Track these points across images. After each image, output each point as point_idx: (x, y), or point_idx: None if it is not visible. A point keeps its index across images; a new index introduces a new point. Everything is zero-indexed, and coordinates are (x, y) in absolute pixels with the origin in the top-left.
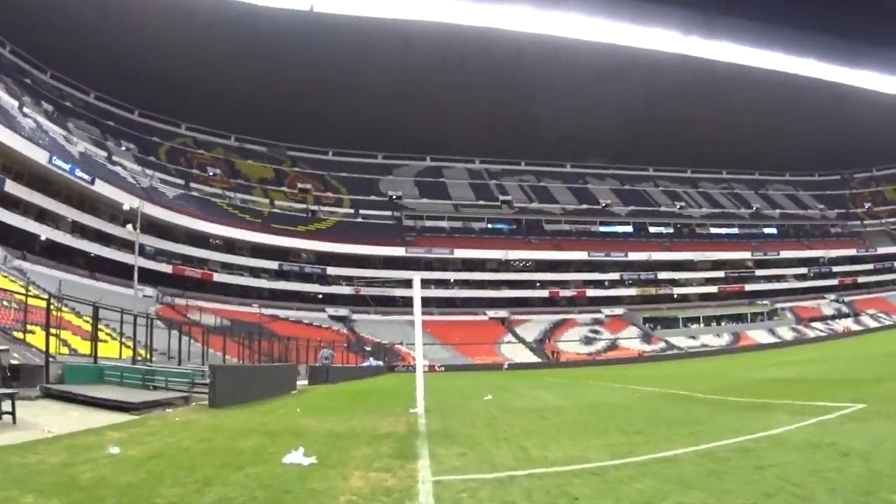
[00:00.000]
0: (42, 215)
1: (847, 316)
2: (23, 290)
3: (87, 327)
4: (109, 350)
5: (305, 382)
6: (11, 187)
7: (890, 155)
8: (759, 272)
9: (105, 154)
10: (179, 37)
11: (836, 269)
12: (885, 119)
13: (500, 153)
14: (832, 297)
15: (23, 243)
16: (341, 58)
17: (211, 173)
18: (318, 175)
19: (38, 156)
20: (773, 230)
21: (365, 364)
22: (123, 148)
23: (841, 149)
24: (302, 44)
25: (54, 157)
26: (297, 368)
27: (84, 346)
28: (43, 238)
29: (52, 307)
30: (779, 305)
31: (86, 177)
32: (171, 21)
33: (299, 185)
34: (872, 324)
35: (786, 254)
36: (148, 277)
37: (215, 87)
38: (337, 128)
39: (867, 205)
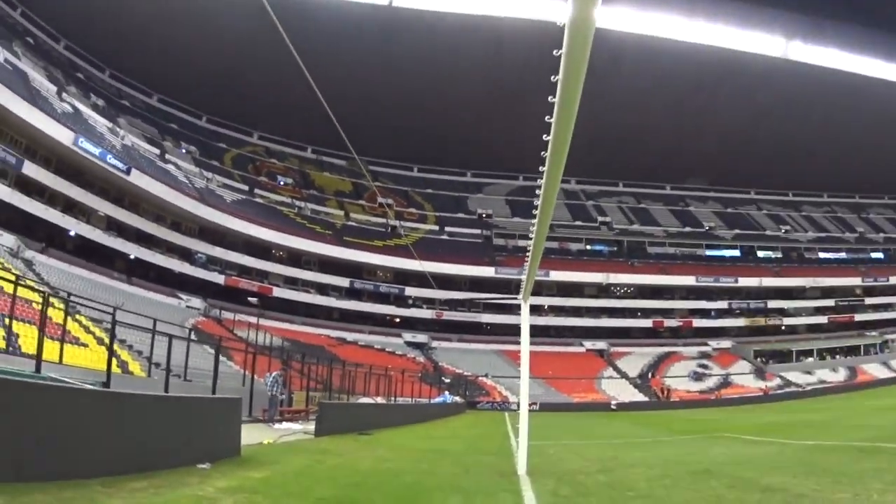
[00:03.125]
0: (71, 207)
1: None
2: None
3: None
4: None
5: (298, 428)
6: (32, 171)
7: None
8: (868, 301)
9: (157, 151)
10: (257, 43)
11: None
12: None
13: (596, 173)
14: None
15: (51, 238)
16: (427, 66)
17: (281, 182)
18: (400, 191)
19: (61, 135)
20: (881, 255)
21: (437, 400)
22: (183, 150)
23: None
24: (385, 50)
25: (80, 139)
26: (235, 403)
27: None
28: (72, 233)
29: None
30: (888, 336)
31: (119, 165)
32: (247, 25)
33: (379, 200)
34: None
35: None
36: (196, 287)
37: (293, 97)
38: (423, 143)
39: None
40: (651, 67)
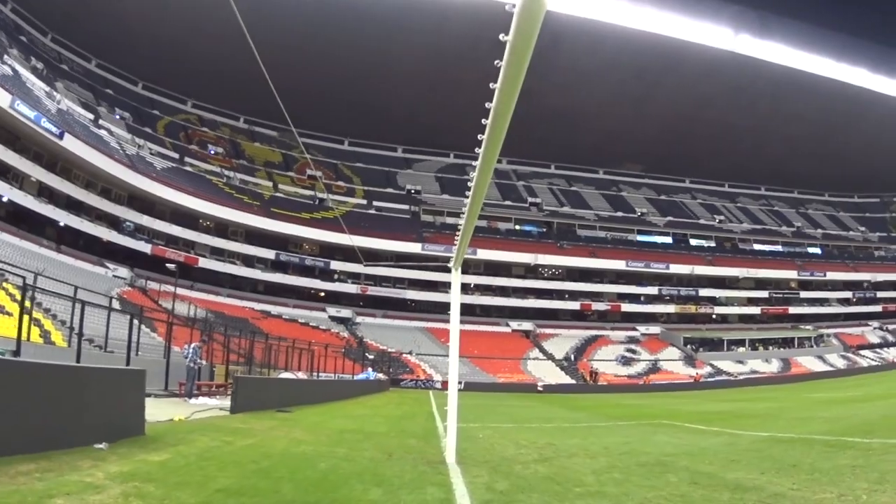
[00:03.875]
0: (4, 172)
1: (894, 345)
2: None
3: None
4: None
5: (216, 404)
6: None
7: None
8: (803, 294)
9: (91, 117)
10: (193, 11)
11: (880, 294)
12: None
13: (529, 154)
14: (875, 324)
15: None
16: (363, 40)
17: (212, 151)
18: (330, 163)
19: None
20: (818, 250)
21: (360, 377)
22: (117, 116)
23: (880, 171)
24: (322, 22)
25: (17, 102)
26: (137, 375)
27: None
28: (4, 199)
29: None
30: (823, 331)
31: (53, 129)
32: None
33: (308, 172)
34: None
35: (832, 275)
36: (124, 257)
37: (227, 66)
38: (356, 117)
39: None
40: (594, 51)
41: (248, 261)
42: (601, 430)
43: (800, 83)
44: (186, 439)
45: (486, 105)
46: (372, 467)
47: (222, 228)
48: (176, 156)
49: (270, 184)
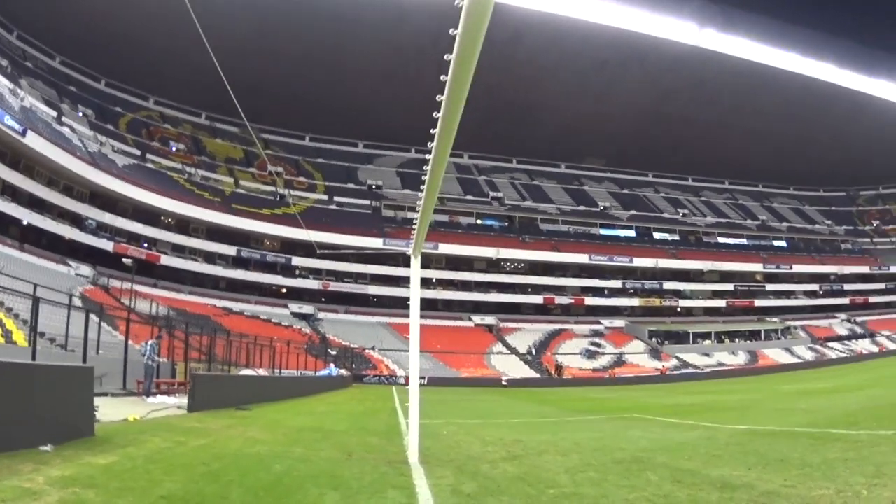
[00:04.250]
0: None
1: (863, 337)
2: None
3: None
4: None
5: (173, 403)
6: None
7: (892, 172)
8: (769, 287)
9: (55, 114)
10: (156, 8)
11: (847, 287)
12: (889, 133)
13: (490, 149)
14: (843, 316)
15: None
16: (324, 36)
17: (173, 148)
18: (291, 159)
19: None
20: (783, 243)
21: (323, 373)
22: (80, 113)
23: (846, 164)
24: (282, 18)
25: None
26: (85, 373)
27: None
28: None
29: None
30: (790, 323)
31: (16, 126)
32: None
33: (269, 168)
34: (891, 345)
35: (798, 268)
36: (86, 255)
37: (189, 63)
38: (316, 112)
39: (875, 222)
40: (556, 46)
41: (210, 258)
42: (571, 425)
43: (765, 77)
44: (137, 440)
45: (438, 97)
46: (329, 469)
47: (184, 225)
48: (138, 153)
49: (232, 180)
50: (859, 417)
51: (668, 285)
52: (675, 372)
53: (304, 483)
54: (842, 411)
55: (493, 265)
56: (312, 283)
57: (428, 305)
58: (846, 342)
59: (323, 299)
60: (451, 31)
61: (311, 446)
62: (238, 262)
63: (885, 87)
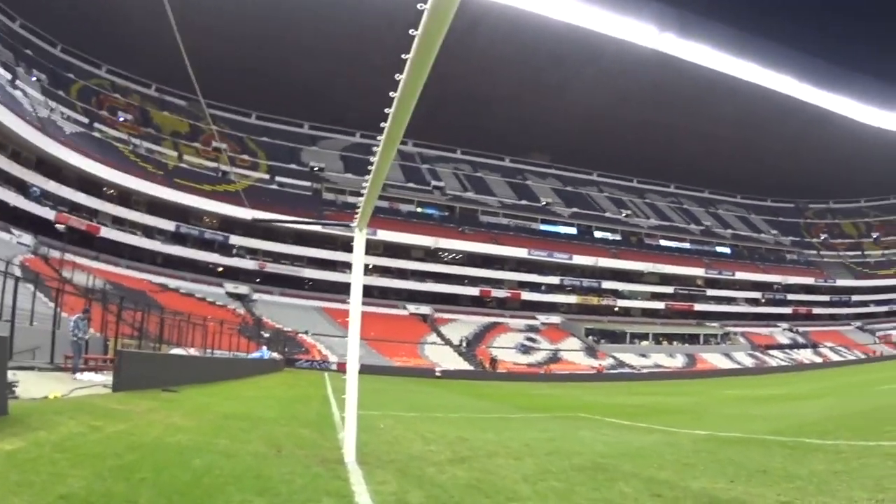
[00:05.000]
0: None
1: (805, 347)
2: None
3: None
4: None
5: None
6: None
7: (848, 188)
8: (710, 292)
9: (9, 77)
10: None
11: (790, 297)
12: (850, 151)
13: (436, 138)
14: (785, 325)
15: None
16: (276, 13)
17: (121, 118)
18: (236, 136)
19: None
20: (727, 249)
21: (255, 355)
22: (34, 78)
23: (797, 177)
24: None
25: None
26: None
27: None
28: None
29: None
30: (730, 329)
31: None
32: None
33: (214, 144)
34: (834, 357)
35: (741, 275)
36: (29, 223)
37: (141, 31)
38: (264, 90)
39: (823, 235)
40: (513, 38)
41: (149, 232)
42: (515, 423)
43: (722, 85)
44: (52, 422)
45: (396, 77)
46: (256, 467)
47: (125, 197)
48: (86, 121)
49: (176, 154)
50: (827, 427)
51: (606, 284)
52: (612, 371)
53: (225, 485)
54: (804, 420)
55: (431, 254)
56: (249, 263)
57: (364, 292)
58: (787, 351)
59: (258, 280)
60: (410, 31)
61: (238, 437)
62: (176, 238)
63: (844, 103)
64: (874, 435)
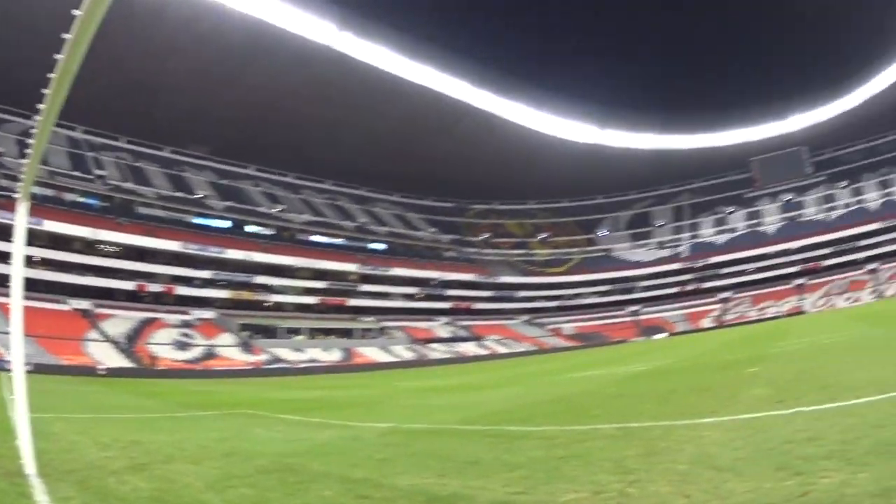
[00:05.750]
0: None
1: (467, 340)
2: None
3: None
4: None
5: None
6: None
7: (518, 191)
8: (364, 287)
9: None
10: None
11: (450, 292)
12: (519, 155)
13: (102, 125)
14: (445, 319)
15: None
16: None
17: None
18: None
19: None
20: (382, 246)
21: None
22: None
23: (461, 179)
24: None
25: None
26: None
27: None
28: None
29: None
30: (387, 323)
31: None
32: None
33: None
34: (501, 349)
35: (396, 271)
36: None
37: None
38: None
39: (486, 234)
40: (189, 27)
41: None
42: (185, 423)
43: (395, 87)
44: None
45: (56, 56)
46: None
47: None
48: None
49: None
50: (525, 414)
51: (259, 279)
52: (269, 366)
53: None
54: (495, 408)
55: (89, 246)
56: None
57: (28, 286)
58: (449, 344)
59: None
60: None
61: None
62: None
63: (513, 109)
64: (585, 419)
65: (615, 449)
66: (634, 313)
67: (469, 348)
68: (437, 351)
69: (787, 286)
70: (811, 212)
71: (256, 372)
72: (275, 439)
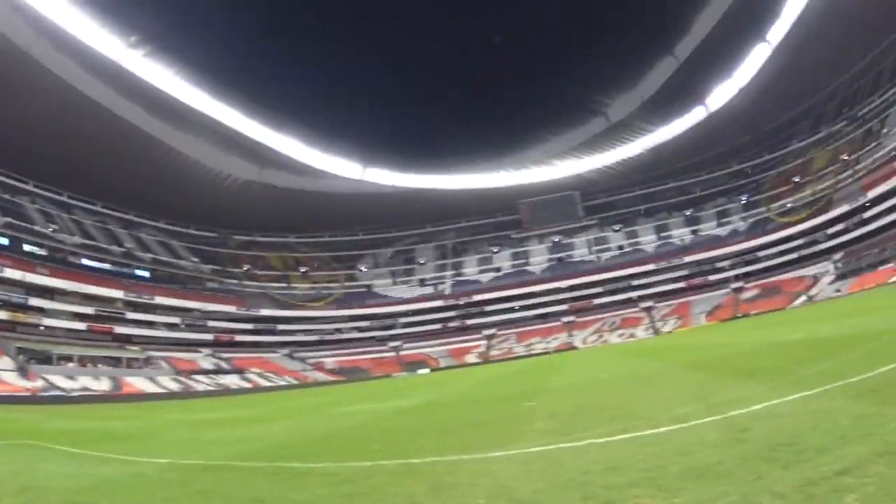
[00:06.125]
0: None
1: (230, 372)
2: None
3: None
4: None
5: None
6: None
7: (272, 224)
8: (131, 315)
9: None
10: None
11: (211, 323)
12: (283, 192)
13: None
14: (207, 351)
15: None
16: None
17: None
18: None
19: None
20: (147, 273)
21: None
22: None
23: (222, 208)
24: None
25: None
26: None
27: None
28: None
29: None
30: (152, 353)
31: None
32: None
33: None
34: (264, 382)
35: (160, 299)
36: None
37: None
38: None
39: (247, 266)
40: None
41: None
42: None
43: (176, 115)
44: None
45: None
46: None
47: None
48: None
49: None
50: (301, 450)
51: (34, 301)
52: (46, 394)
53: None
54: (269, 443)
55: None
56: None
57: None
58: (213, 376)
59: None
60: None
61: None
62: None
63: (288, 145)
64: (366, 455)
65: (402, 485)
66: (396, 349)
67: (233, 381)
68: (201, 383)
69: (555, 323)
70: (581, 253)
71: (34, 399)
72: (62, 473)
